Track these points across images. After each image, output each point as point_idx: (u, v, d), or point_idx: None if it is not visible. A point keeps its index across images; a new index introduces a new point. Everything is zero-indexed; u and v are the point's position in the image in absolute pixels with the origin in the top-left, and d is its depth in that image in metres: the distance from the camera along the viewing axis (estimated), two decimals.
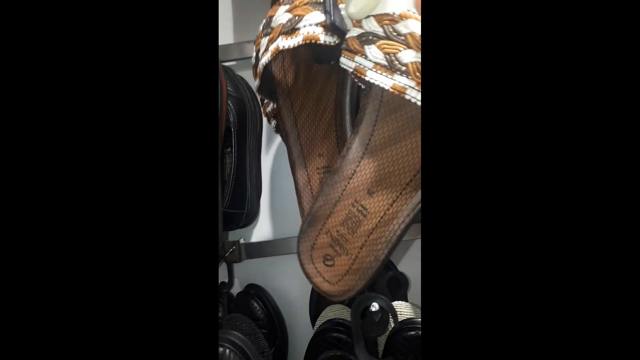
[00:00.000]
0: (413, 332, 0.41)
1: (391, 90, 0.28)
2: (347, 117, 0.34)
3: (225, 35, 0.53)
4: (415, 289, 0.55)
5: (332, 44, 0.31)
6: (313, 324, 0.54)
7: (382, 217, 0.30)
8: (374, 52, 0.28)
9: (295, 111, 0.38)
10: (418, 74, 0.27)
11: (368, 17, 0.28)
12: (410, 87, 0.27)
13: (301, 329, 0.56)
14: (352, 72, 0.30)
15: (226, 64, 0.50)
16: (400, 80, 0.28)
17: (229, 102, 0.45)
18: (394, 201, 0.30)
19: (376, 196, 0.31)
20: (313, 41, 0.32)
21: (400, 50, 0.27)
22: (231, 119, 0.45)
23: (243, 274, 0.63)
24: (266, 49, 0.32)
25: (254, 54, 0.35)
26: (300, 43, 0.32)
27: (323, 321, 0.46)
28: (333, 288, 0.33)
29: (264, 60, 0.32)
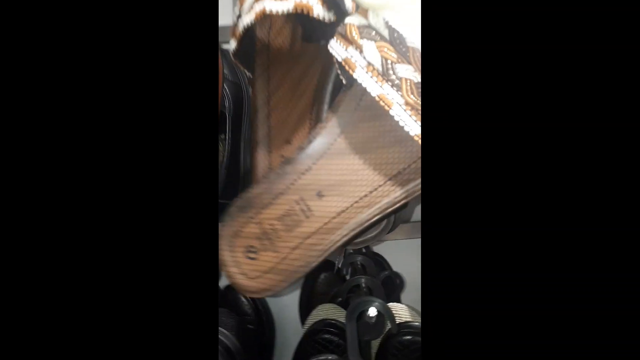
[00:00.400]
0: (409, 337, 0.40)
1: (377, 99, 0.26)
2: (325, 107, 0.31)
3: (224, 15, 0.47)
4: (409, 289, 0.55)
5: (326, 20, 0.28)
6: (302, 322, 0.52)
7: (325, 224, 0.29)
8: (371, 50, 0.26)
9: (271, 88, 0.34)
10: (410, 94, 0.25)
11: (378, 10, 0.25)
12: (397, 103, 0.25)
13: (290, 326, 0.54)
14: (339, 61, 0.28)
15: (224, 46, 0.44)
16: (389, 92, 0.26)
17: (224, 86, 0.40)
18: (343, 211, 0.28)
19: (326, 200, 0.29)
20: (305, 12, 0.28)
21: (398, 61, 0.25)
22: (226, 104, 0.40)
23: None
24: (251, 8, 0.28)
25: (236, 13, 0.30)
26: (290, 11, 0.28)
27: (314, 321, 0.43)
28: (249, 283, 0.30)
29: (247, 20, 0.28)
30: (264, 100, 0.34)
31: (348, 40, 0.27)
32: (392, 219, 0.36)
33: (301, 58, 0.33)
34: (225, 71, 0.40)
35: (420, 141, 0.25)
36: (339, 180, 0.29)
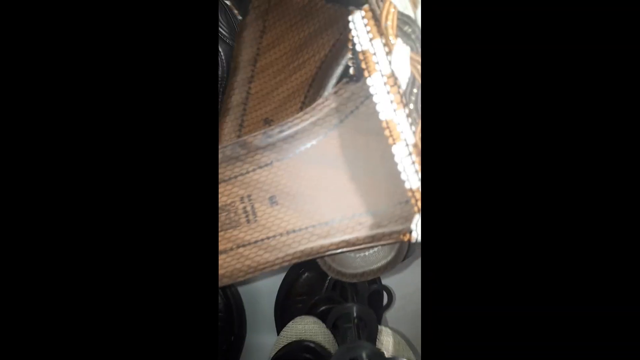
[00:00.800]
0: None
1: (384, 124, 0.19)
2: (326, 93, 0.24)
3: None
4: (404, 303, 0.50)
5: None
6: (277, 326, 0.46)
7: (268, 238, 0.23)
8: (403, 58, 0.18)
9: (263, 44, 0.25)
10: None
11: None
12: (405, 141, 0.19)
13: (263, 328, 0.47)
14: (356, 50, 0.20)
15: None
16: (401, 123, 0.19)
17: (219, 49, 0.29)
18: (294, 231, 0.23)
19: (278, 210, 0.23)
20: None
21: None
22: (219, 73, 0.29)
23: None
24: None
25: None
26: None
27: (290, 339, 0.37)
28: None
29: None
30: (250, 58, 0.26)
31: (379, 25, 0.19)
32: (404, 251, 0.30)
33: (315, 18, 0.25)
34: (222, 29, 0.29)
35: (414, 198, 0.20)
36: (301, 193, 0.23)
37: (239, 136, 0.27)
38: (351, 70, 0.22)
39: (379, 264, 0.28)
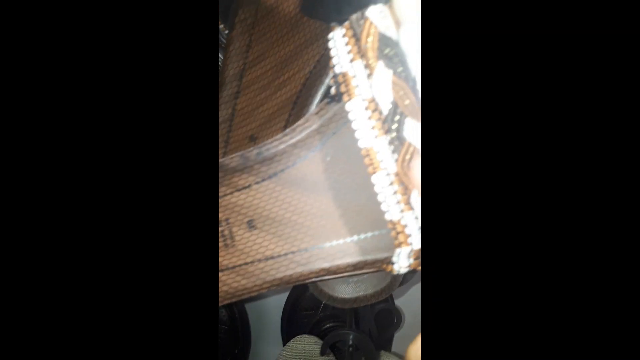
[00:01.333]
0: None
1: (362, 153, 0.18)
2: (311, 109, 0.23)
3: None
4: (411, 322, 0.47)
5: None
6: (283, 338, 0.46)
7: (245, 264, 0.22)
8: (384, 82, 0.17)
9: (249, 59, 0.24)
10: (407, 167, 0.17)
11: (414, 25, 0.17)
12: (385, 170, 0.18)
13: (268, 342, 0.47)
14: (335, 72, 0.19)
15: None
16: (382, 151, 0.18)
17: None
18: (273, 257, 0.22)
19: (256, 235, 0.22)
20: None
21: (411, 114, 0.17)
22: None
23: None
24: None
25: None
26: None
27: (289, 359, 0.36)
28: None
29: None
30: (236, 72, 0.25)
31: (359, 45, 0.18)
32: (399, 277, 0.29)
33: (301, 31, 0.23)
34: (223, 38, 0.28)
35: (395, 231, 0.19)
36: (281, 218, 0.22)
37: (224, 153, 0.26)
38: (332, 90, 0.21)
39: (373, 290, 0.27)
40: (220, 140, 0.26)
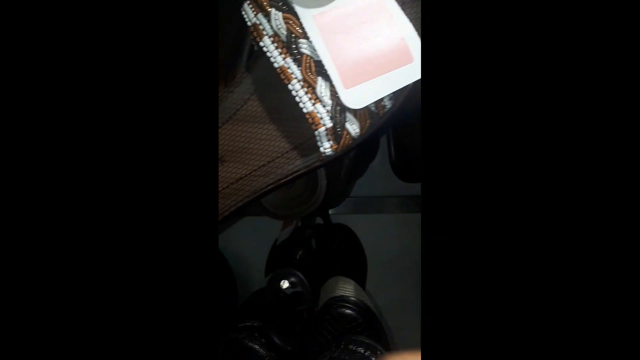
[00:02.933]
0: (340, 310, 0.39)
1: (278, 71, 0.26)
2: (240, 71, 0.31)
3: None
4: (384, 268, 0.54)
5: None
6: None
7: (223, 189, 0.29)
8: (279, 20, 0.25)
9: None
10: (308, 71, 0.25)
11: None
12: (296, 78, 0.25)
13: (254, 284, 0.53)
14: (249, 26, 0.27)
15: None
16: (290, 66, 0.26)
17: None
18: (241, 178, 0.29)
19: (225, 166, 0.29)
20: None
21: (301, 36, 0.25)
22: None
23: None
24: None
25: None
26: None
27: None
28: None
29: None
30: None
31: (258, 5, 0.26)
32: (321, 194, 0.36)
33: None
34: None
35: (311, 118, 0.26)
36: (239, 148, 0.29)
37: None
38: (255, 47, 0.29)
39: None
40: None
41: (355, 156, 0.39)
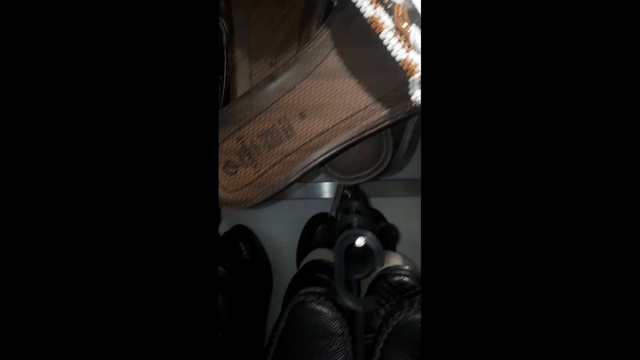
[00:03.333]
0: (397, 278, 0.41)
1: (368, 21, 0.26)
2: (315, 28, 0.31)
3: None
4: (405, 245, 0.55)
5: None
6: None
7: (306, 143, 0.30)
8: None
9: (250, 4, 0.33)
10: (401, 20, 0.25)
11: None
12: (388, 28, 0.26)
13: (287, 277, 0.53)
14: None
15: None
16: (381, 16, 0.26)
17: (221, 19, 0.35)
18: (324, 132, 0.29)
19: (307, 121, 0.29)
20: None
21: None
22: (224, 41, 0.35)
23: (231, 215, 0.60)
24: None
25: None
26: None
27: (307, 261, 0.43)
28: (227, 196, 0.31)
29: None
30: (243, 17, 0.33)
31: None
32: (387, 158, 0.36)
33: None
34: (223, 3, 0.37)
35: (406, 66, 0.26)
36: (322, 102, 0.29)
37: (250, 84, 0.34)
38: (335, 2, 0.29)
39: (364, 172, 0.34)
40: (243, 75, 0.33)
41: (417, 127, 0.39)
